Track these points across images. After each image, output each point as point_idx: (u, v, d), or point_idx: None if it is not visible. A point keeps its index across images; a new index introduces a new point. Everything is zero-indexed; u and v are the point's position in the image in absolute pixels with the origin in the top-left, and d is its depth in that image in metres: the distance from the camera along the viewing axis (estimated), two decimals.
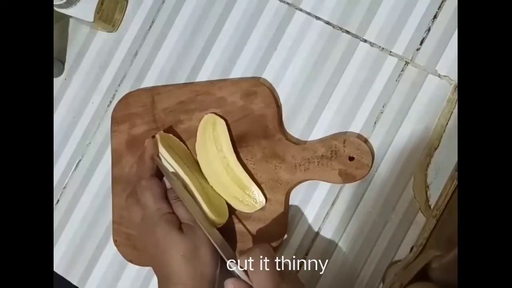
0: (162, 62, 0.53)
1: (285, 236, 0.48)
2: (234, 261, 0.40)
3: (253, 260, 0.39)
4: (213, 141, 0.49)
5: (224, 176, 0.48)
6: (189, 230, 0.43)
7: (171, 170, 0.46)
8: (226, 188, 0.48)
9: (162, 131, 0.49)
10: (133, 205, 0.46)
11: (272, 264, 0.39)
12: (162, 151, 0.47)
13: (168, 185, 0.46)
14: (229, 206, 0.48)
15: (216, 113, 0.50)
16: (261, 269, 0.38)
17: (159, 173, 0.47)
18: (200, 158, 0.49)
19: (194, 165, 0.49)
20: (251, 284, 0.39)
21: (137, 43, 0.54)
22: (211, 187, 0.48)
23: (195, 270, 0.42)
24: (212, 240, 0.43)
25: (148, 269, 0.52)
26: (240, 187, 0.48)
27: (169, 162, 0.46)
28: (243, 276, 0.39)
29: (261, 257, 0.39)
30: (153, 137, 0.49)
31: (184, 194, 0.45)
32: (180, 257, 0.42)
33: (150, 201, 0.45)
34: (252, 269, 0.38)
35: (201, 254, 0.43)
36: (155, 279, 0.51)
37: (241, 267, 0.39)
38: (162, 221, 0.44)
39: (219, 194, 0.48)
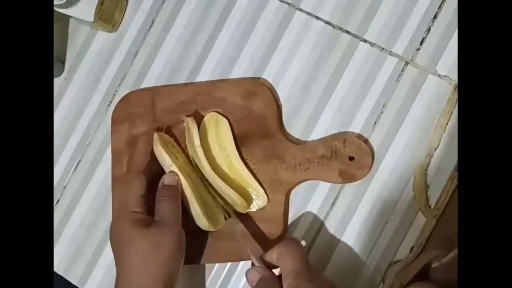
0: (162, 62, 0.53)
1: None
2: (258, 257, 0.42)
3: (286, 247, 0.41)
4: (215, 140, 0.49)
5: (227, 175, 0.48)
6: (155, 228, 0.43)
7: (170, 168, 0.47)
8: (228, 187, 0.48)
9: (161, 132, 0.49)
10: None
11: (304, 252, 0.41)
12: (160, 150, 0.47)
13: (167, 181, 0.45)
14: (230, 205, 0.48)
15: (218, 112, 0.50)
16: (295, 254, 0.40)
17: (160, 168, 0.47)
18: (202, 156, 0.49)
19: (189, 168, 0.49)
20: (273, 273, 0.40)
21: (137, 43, 0.54)
22: (206, 191, 0.48)
23: (147, 269, 0.42)
24: (237, 232, 0.45)
25: None
26: (243, 185, 0.48)
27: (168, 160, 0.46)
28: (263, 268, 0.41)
29: (294, 244, 0.41)
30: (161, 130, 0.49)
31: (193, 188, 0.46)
32: (134, 255, 0.42)
33: (123, 195, 0.45)
34: (285, 254, 0.40)
35: (160, 255, 0.42)
36: None
37: (263, 262, 0.41)
38: (126, 217, 0.44)
39: (212, 198, 0.48)
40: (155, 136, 0.48)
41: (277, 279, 0.40)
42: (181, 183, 0.46)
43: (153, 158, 0.48)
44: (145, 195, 0.45)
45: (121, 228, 0.44)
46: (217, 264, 0.50)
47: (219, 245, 0.48)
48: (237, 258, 0.49)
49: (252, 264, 0.42)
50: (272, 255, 0.41)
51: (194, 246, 0.48)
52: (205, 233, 0.48)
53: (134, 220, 0.44)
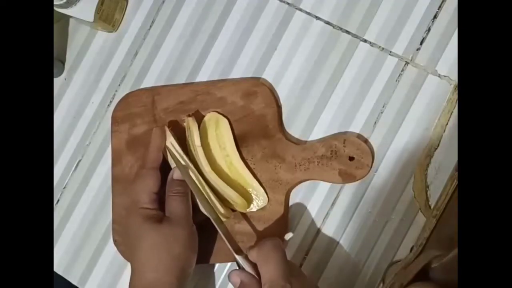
0: (162, 62, 0.53)
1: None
2: (243, 255, 0.41)
3: (263, 253, 0.39)
4: (216, 140, 0.49)
5: (227, 175, 0.48)
6: (167, 224, 0.43)
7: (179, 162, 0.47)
8: (228, 187, 0.48)
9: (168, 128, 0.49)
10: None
11: (282, 257, 0.39)
12: (174, 142, 0.47)
13: (176, 176, 0.46)
14: (230, 205, 0.48)
15: (218, 112, 0.50)
16: (271, 262, 0.38)
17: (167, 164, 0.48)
18: (202, 156, 0.49)
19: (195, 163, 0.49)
20: (255, 276, 0.39)
21: (137, 43, 0.54)
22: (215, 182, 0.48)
23: (160, 263, 0.42)
24: (220, 232, 0.43)
25: None
26: (244, 185, 0.48)
27: (178, 154, 0.47)
28: (248, 269, 0.40)
29: (271, 250, 0.39)
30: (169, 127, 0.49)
31: (194, 185, 0.46)
32: (146, 249, 0.43)
33: (136, 190, 0.45)
34: (262, 262, 0.39)
35: (172, 249, 0.43)
36: None
37: (248, 260, 0.40)
38: (138, 213, 0.44)
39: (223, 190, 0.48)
40: (167, 130, 0.48)
41: (258, 283, 0.39)
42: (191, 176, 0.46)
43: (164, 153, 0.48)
44: (159, 191, 0.46)
45: (133, 224, 0.44)
46: (217, 264, 0.50)
47: (219, 245, 0.48)
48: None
49: (237, 264, 0.41)
50: (253, 256, 0.40)
51: None
52: (205, 234, 0.48)
53: (146, 216, 0.44)
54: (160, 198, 0.46)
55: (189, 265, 0.44)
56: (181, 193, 0.45)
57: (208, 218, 0.46)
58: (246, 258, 0.41)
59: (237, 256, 0.41)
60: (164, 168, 0.47)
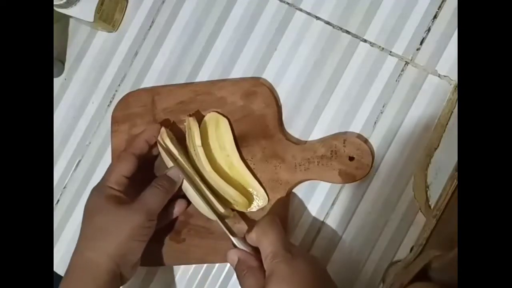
0: (162, 62, 0.53)
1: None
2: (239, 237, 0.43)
3: (261, 230, 0.41)
4: (216, 140, 0.49)
5: (227, 175, 0.48)
6: (124, 208, 0.43)
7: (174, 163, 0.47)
8: (229, 186, 0.48)
9: (167, 129, 0.49)
10: None
11: (280, 230, 0.41)
12: (168, 142, 0.47)
13: (169, 174, 0.46)
14: (231, 204, 0.48)
15: (218, 112, 0.50)
16: (270, 235, 0.40)
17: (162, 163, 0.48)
18: (202, 156, 0.49)
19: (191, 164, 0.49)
20: (252, 253, 0.41)
21: (137, 43, 0.54)
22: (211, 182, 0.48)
23: (101, 244, 0.42)
24: (216, 218, 0.45)
25: (147, 269, 0.52)
26: (244, 185, 0.48)
27: (174, 154, 0.47)
28: (245, 248, 0.42)
29: (269, 225, 0.41)
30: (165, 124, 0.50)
31: (191, 181, 0.46)
32: (94, 227, 0.43)
33: (109, 169, 0.46)
34: (262, 237, 0.40)
35: (118, 234, 0.42)
36: (155, 279, 0.52)
37: (244, 241, 0.42)
38: (100, 189, 0.45)
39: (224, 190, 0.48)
40: (163, 129, 0.48)
41: (256, 259, 0.41)
42: (186, 177, 0.46)
43: (155, 147, 0.49)
44: (130, 177, 0.46)
45: (94, 199, 0.45)
46: (217, 264, 0.50)
47: (219, 245, 0.48)
48: None
49: (234, 245, 0.43)
50: (252, 237, 0.41)
51: (195, 246, 0.48)
52: (206, 234, 0.48)
53: (108, 195, 0.44)
54: (134, 186, 0.46)
55: (132, 253, 0.43)
56: (164, 188, 0.45)
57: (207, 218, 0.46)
58: (242, 239, 0.42)
59: (233, 238, 0.43)
60: (152, 162, 0.49)
